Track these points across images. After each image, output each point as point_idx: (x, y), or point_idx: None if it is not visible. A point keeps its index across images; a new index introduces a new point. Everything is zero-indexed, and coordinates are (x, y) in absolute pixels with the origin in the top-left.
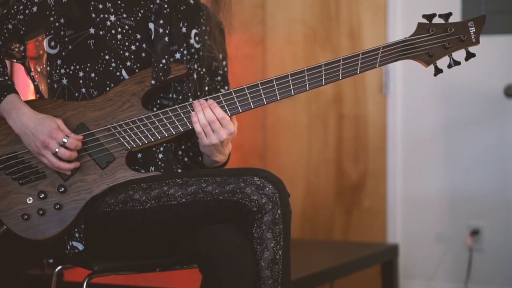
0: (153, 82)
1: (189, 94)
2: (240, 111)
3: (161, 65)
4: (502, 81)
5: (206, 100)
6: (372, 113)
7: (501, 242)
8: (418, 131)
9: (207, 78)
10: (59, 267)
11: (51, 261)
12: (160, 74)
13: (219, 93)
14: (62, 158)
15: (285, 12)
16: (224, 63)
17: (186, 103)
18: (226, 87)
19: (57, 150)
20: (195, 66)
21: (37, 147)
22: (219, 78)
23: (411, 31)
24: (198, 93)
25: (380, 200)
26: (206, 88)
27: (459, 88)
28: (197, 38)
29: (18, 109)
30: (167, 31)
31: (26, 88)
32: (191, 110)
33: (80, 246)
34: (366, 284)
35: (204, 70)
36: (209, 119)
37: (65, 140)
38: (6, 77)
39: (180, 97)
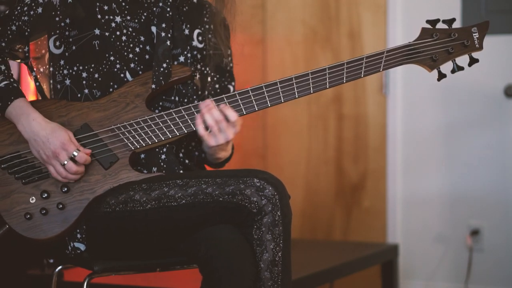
0: (153, 86)
1: (194, 97)
2: (244, 113)
3: (161, 69)
4: (502, 81)
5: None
6: (372, 113)
7: (501, 242)
8: (418, 131)
9: (217, 76)
10: (59, 267)
11: (51, 261)
12: (161, 78)
13: (223, 95)
14: (69, 171)
15: (285, 12)
16: (229, 58)
17: (190, 105)
18: (232, 83)
19: (65, 162)
20: (198, 66)
21: (47, 155)
22: (227, 74)
23: (411, 32)
24: (199, 92)
25: (380, 200)
26: (217, 86)
27: (459, 88)
28: (200, 38)
29: (28, 115)
30: (169, 35)
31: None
32: (195, 112)
33: (82, 247)
34: (366, 284)
35: (208, 69)
36: (217, 119)
37: (75, 153)
38: (12, 79)
39: (186, 100)
